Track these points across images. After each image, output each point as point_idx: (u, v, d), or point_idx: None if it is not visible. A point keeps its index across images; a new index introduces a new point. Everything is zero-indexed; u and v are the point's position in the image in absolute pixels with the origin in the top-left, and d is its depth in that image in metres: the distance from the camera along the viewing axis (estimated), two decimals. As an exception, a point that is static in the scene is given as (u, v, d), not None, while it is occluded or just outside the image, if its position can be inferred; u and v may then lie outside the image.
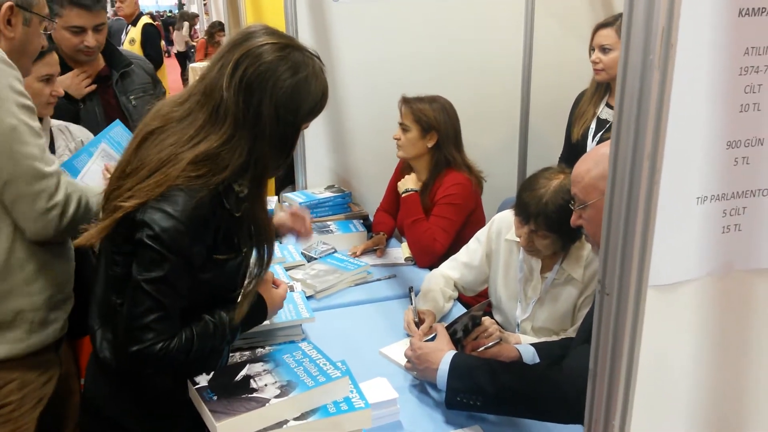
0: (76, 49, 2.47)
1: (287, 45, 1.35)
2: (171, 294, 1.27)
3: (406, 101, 2.61)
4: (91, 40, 2.46)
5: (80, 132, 2.25)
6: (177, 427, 1.42)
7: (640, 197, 0.76)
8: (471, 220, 2.61)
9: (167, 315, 1.27)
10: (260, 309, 1.50)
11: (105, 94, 2.60)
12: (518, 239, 2.02)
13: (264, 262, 1.45)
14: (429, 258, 2.51)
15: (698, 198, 0.84)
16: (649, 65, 0.74)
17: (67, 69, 2.48)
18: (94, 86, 2.55)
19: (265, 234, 1.43)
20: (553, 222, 1.86)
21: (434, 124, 2.56)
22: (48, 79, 2.02)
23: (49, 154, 1.52)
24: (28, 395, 1.59)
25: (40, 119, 2.11)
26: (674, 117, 0.76)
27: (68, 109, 2.39)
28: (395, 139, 2.64)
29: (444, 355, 1.62)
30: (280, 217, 1.95)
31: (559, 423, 1.54)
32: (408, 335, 1.99)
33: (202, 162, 1.29)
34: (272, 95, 1.30)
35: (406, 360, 1.76)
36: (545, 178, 1.91)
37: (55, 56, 2.05)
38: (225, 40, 1.47)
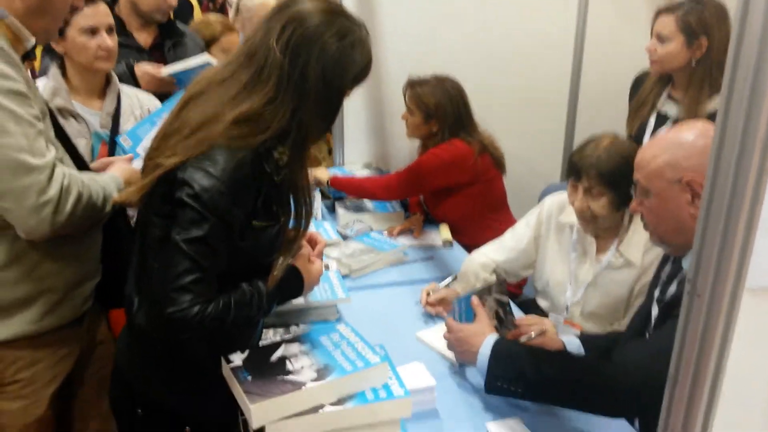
0: (158, 7, 2.53)
1: (334, 11, 1.33)
2: (209, 256, 1.23)
3: (410, 85, 2.60)
4: None
5: (148, 100, 2.20)
6: (209, 403, 1.38)
7: (748, 187, 0.67)
8: (474, 195, 2.57)
9: (205, 277, 1.22)
10: (297, 282, 1.45)
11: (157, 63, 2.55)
12: (571, 221, 1.98)
13: (300, 232, 1.40)
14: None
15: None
16: (769, 34, 0.64)
17: (123, 31, 2.49)
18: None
19: (303, 203, 1.39)
20: (607, 176, 1.82)
21: (433, 112, 2.54)
22: (93, 31, 1.95)
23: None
24: (39, 373, 1.51)
25: (108, 79, 2.07)
26: (793, 97, 0.67)
27: (122, 74, 2.30)
28: (403, 119, 2.65)
29: (485, 339, 1.56)
30: None
31: (604, 416, 1.48)
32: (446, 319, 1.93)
33: (244, 122, 1.26)
34: (318, 58, 1.28)
35: (446, 342, 1.69)
36: (594, 141, 1.90)
37: (100, 7, 1.97)
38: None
